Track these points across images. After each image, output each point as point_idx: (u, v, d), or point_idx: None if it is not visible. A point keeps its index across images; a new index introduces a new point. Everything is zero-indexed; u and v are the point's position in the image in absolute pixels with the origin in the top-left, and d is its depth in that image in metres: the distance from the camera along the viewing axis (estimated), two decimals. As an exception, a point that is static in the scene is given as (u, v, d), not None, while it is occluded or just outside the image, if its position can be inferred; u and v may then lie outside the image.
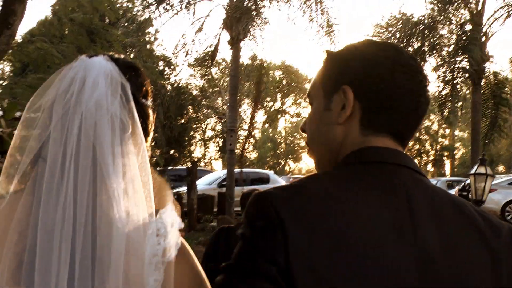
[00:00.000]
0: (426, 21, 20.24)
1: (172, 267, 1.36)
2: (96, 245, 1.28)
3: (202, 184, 22.73)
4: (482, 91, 19.90)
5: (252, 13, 18.57)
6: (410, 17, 21.03)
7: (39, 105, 1.40)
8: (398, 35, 21.02)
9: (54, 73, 1.44)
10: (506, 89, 20.46)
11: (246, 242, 1.16)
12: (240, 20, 18.21)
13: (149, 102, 1.57)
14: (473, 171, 9.78)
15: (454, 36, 19.95)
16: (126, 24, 20.44)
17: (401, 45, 19.09)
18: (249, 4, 18.61)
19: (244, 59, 26.02)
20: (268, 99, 55.74)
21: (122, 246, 1.29)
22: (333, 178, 1.26)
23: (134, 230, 1.33)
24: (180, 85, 31.48)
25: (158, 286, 1.33)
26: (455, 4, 19.70)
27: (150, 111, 1.56)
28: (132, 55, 20.82)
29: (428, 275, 1.13)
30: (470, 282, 1.17)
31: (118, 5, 20.97)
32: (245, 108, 48.09)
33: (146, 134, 1.49)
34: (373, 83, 1.31)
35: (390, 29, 22.28)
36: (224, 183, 20.70)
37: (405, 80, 1.30)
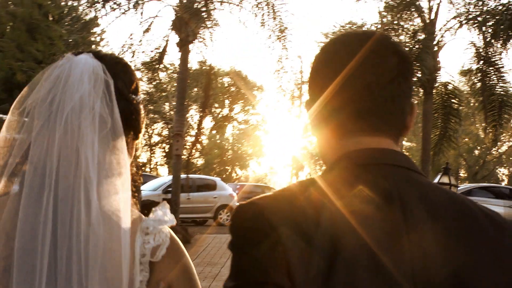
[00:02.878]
0: (379, 29, 20.13)
1: (161, 266, 1.40)
2: (76, 247, 1.29)
3: (147, 189, 22.32)
4: (433, 101, 19.88)
5: (202, 14, 18.22)
6: (362, 25, 20.81)
7: (24, 107, 1.41)
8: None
9: (40, 72, 1.46)
10: (456, 99, 20.54)
11: (248, 258, 1.10)
12: (189, 21, 17.77)
13: (140, 98, 1.57)
14: (436, 180, 9.59)
15: (407, 45, 19.90)
16: (70, 22, 19.70)
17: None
18: (199, 6, 18.22)
19: (193, 64, 25.59)
20: (216, 105, 55.63)
21: (99, 248, 1.29)
22: (321, 184, 1.18)
23: (117, 230, 1.34)
24: (126, 88, 30.70)
25: (143, 286, 1.37)
26: (408, 12, 19.67)
27: (141, 107, 1.56)
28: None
29: (424, 282, 1.08)
30: (471, 283, 1.11)
31: (63, 3, 20.11)
32: (193, 114, 47.79)
33: (137, 130, 1.55)
34: (314, 89, 1.31)
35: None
36: (170, 189, 20.20)
37: (341, 69, 1.22)
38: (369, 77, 1.21)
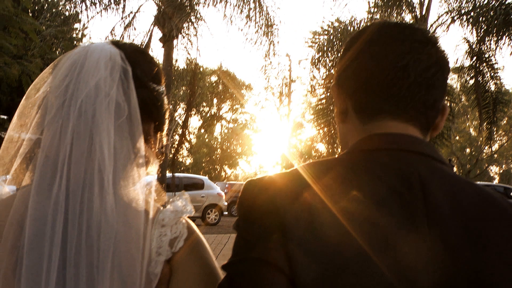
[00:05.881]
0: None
1: (178, 258, 1.34)
2: (86, 238, 1.24)
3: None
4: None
5: (186, 8, 17.76)
6: (352, 20, 20.24)
7: (38, 94, 1.39)
8: (337, 41, 20.14)
9: (57, 58, 1.44)
10: (449, 97, 20.12)
11: (247, 235, 1.12)
12: (173, 16, 17.23)
13: (162, 88, 1.50)
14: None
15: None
16: (49, 17, 19.08)
17: (341, 51, 18.32)
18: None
19: (180, 64, 25.30)
20: (204, 104, 55.33)
21: (111, 238, 1.24)
22: (331, 166, 1.17)
23: (134, 221, 1.29)
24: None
25: (156, 279, 1.30)
26: (398, 8, 19.17)
27: (163, 97, 1.50)
28: (58, 51, 19.50)
29: (446, 273, 1.03)
30: (499, 279, 1.04)
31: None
32: (181, 113, 47.33)
33: (160, 121, 1.49)
34: (345, 69, 1.28)
35: (328, 35, 21.29)
36: (154, 188, 19.79)
37: (379, 52, 1.23)
38: (407, 60, 1.19)
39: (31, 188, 1.29)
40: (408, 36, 1.22)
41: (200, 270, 1.38)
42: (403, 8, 19.46)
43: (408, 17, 19.82)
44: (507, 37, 17.67)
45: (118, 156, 1.32)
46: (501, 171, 60.49)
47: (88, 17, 18.53)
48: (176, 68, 21.38)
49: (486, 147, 42.92)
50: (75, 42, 22.90)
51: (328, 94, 17.35)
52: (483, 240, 1.06)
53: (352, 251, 1.02)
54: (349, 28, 19.09)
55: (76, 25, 23.00)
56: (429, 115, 1.23)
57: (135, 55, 1.45)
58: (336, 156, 1.23)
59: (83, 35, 26.81)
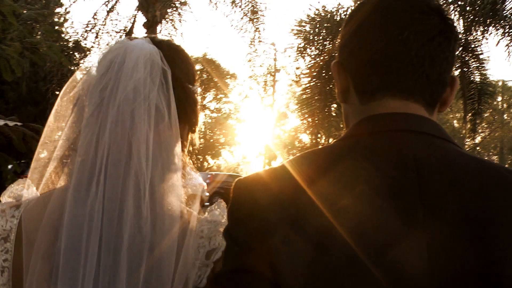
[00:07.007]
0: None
1: (214, 270, 1.31)
2: (123, 247, 1.22)
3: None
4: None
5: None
6: (339, 8, 20.04)
7: (74, 93, 1.36)
8: (322, 29, 19.93)
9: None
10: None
11: (231, 243, 1.08)
12: (156, 1, 17.02)
13: (196, 88, 1.49)
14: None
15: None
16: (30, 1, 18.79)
17: (327, 40, 18.15)
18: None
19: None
20: (188, 93, 55.20)
21: (144, 248, 1.23)
22: (320, 156, 1.12)
23: (171, 230, 1.28)
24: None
25: None
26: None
27: (198, 98, 1.50)
28: (39, 36, 19.23)
29: (445, 263, 0.95)
30: (505, 265, 0.95)
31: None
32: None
33: (193, 122, 1.48)
34: (345, 45, 1.23)
35: (314, 23, 21.03)
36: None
37: (379, 26, 1.16)
38: (408, 32, 1.12)
39: (65, 193, 1.26)
40: (410, 7, 1.15)
41: None
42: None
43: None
44: (494, 27, 17.65)
45: (157, 163, 1.29)
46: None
47: (70, 1, 18.30)
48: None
49: (469, 140, 43.23)
50: (56, 26, 22.59)
51: (313, 83, 17.22)
52: (491, 228, 0.97)
53: (338, 253, 0.96)
54: (335, 16, 18.92)
55: (58, 9, 22.76)
56: (434, 90, 1.16)
57: (172, 54, 1.42)
58: (325, 145, 1.18)
59: (65, 20, 26.41)
